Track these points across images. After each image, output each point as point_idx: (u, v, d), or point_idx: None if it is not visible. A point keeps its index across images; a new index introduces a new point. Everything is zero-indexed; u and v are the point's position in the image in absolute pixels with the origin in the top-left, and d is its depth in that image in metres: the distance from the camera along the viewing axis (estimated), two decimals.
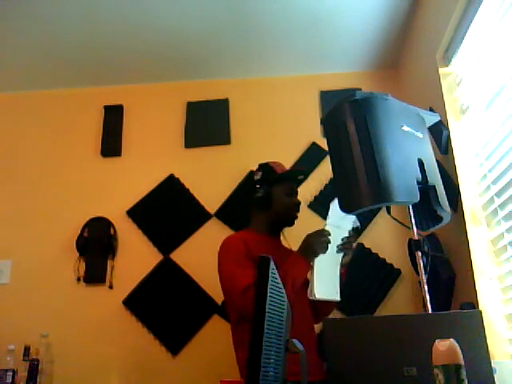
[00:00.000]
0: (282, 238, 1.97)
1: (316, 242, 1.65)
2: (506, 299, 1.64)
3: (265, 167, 1.97)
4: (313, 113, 2.70)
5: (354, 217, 1.74)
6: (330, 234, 1.66)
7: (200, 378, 2.21)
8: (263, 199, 1.88)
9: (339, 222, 1.70)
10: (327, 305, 1.84)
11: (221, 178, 2.58)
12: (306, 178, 2.03)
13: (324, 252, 1.65)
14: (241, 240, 1.76)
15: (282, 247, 1.95)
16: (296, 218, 1.93)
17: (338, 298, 1.68)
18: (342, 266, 1.74)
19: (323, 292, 1.63)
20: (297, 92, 2.76)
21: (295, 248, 1.97)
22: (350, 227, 1.75)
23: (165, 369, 2.28)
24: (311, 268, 1.66)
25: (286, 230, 1.97)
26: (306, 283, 1.68)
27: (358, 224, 1.79)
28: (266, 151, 2.60)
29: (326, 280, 1.66)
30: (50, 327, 2.27)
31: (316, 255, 1.65)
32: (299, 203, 1.93)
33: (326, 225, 1.68)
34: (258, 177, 1.94)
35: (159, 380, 2.26)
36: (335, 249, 1.72)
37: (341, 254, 1.73)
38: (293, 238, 2.02)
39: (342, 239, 1.73)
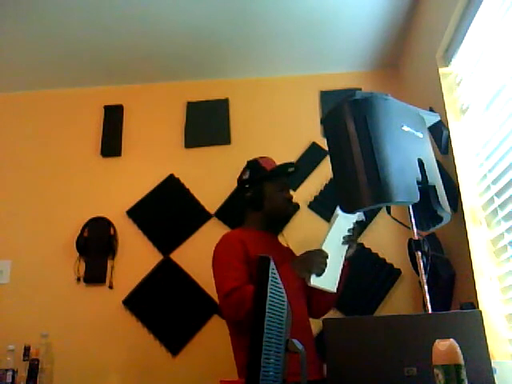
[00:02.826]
0: (281, 238, 1.96)
1: (314, 261, 1.63)
2: (506, 299, 1.64)
3: (253, 165, 1.92)
4: (313, 113, 2.70)
5: None
6: (327, 257, 1.64)
7: (200, 378, 2.22)
8: (254, 199, 1.85)
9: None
10: (326, 298, 1.79)
11: (221, 178, 2.57)
12: (296, 170, 1.96)
13: (318, 273, 1.63)
14: (238, 239, 1.73)
15: (280, 245, 1.93)
16: (290, 213, 1.90)
17: (333, 290, 1.66)
18: (345, 258, 1.73)
19: (320, 280, 1.63)
20: (297, 92, 2.76)
21: (293, 247, 1.98)
22: (355, 219, 1.75)
23: (165, 369, 2.28)
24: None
25: (286, 230, 1.97)
26: (302, 282, 1.68)
27: (363, 217, 1.79)
28: (266, 151, 2.56)
29: (326, 269, 1.64)
30: (50, 327, 2.27)
31: (308, 273, 1.62)
32: (291, 198, 1.90)
33: (322, 244, 1.68)
34: (246, 176, 1.89)
35: (159, 380, 2.27)
36: (341, 239, 1.71)
37: (346, 246, 1.73)
38: (292, 238, 2.03)
39: (349, 230, 1.73)
